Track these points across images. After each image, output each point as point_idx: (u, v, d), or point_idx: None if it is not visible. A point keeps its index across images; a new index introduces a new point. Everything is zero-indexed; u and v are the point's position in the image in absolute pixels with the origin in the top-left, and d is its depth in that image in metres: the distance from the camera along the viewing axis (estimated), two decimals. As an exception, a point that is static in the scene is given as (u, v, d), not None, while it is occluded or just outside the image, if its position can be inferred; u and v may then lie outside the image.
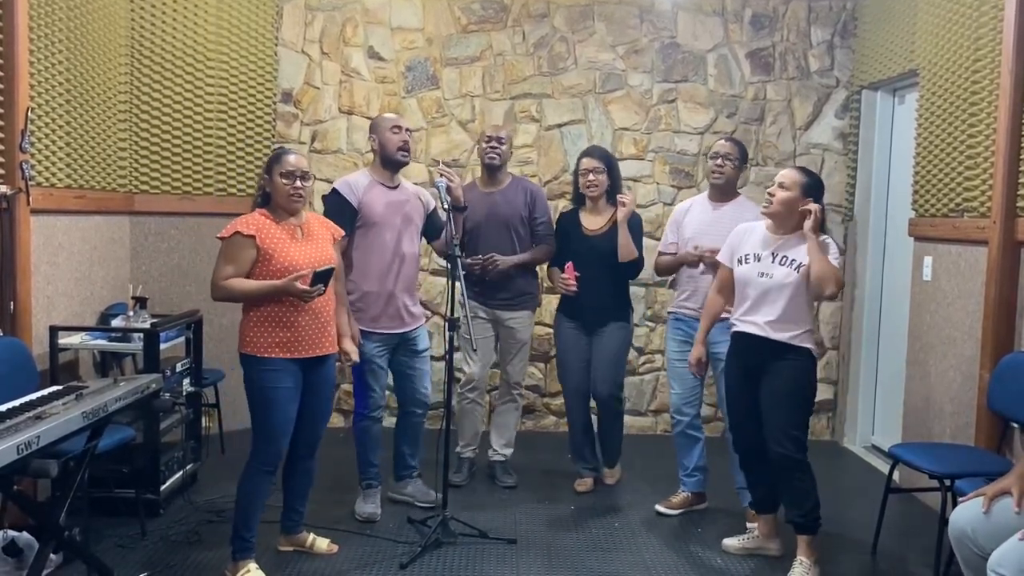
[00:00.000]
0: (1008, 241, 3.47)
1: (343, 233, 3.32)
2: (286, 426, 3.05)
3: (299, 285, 2.89)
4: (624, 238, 3.89)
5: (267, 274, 2.96)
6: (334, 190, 3.61)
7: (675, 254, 3.83)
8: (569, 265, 3.95)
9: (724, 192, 3.76)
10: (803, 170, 3.25)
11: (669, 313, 3.92)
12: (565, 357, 4.15)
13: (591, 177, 3.96)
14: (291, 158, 3.05)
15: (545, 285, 5.14)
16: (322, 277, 2.95)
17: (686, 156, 5.20)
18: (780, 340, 3.15)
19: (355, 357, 3.33)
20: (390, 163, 3.62)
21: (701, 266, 3.67)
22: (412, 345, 3.72)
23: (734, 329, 3.31)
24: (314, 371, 3.11)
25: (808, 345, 3.18)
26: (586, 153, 4.06)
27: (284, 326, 2.98)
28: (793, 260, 3.15)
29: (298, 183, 3.01)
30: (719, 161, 3.70)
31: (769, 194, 3.20)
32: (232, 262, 2.96)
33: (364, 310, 3.58)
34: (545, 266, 4.29)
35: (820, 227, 3.18)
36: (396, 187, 3.67)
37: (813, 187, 3.19)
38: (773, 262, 3.18)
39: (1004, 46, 3.46)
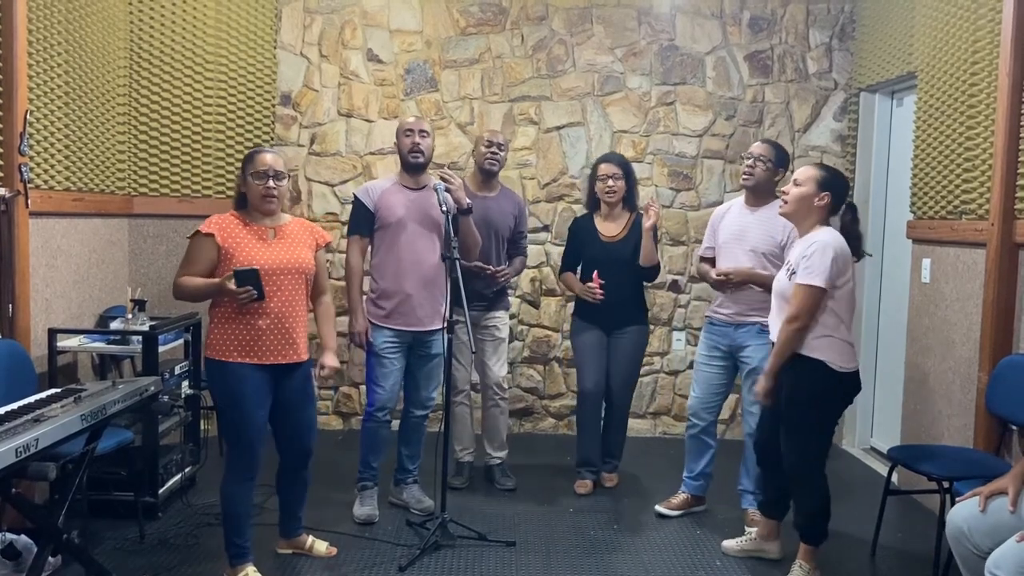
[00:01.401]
0: (1006, 243, 3.47)
1: (329, 239, 3.28)
2: (257, 432, 2.98)
3: (229, 285, 2.82)
4: (649, 244, 3.92)
5: (228, 273, 2.89)
6: (354, 194, 3.76)
7: (714, 260, 3.77)
8: (595, 274, 3.97)
9: (758, 195, 3.65)
10: (820, 165, 3.16)
11: (705, 317, 3.88)
12: (584, 359, 4.12)
13: (610, 183, 3.98)
14: (264, 157, 2.98)
15: (544, 287, 5.16)
16: (245, 277, 2.82)
17: (685, 158, 5.21)
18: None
19: (329, 371, 3.20)
20: (406, 166, 3.72)
21: (731, 289, 3.62)
22: (426, 348, 3.72)
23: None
24: (284, 381, 3.03)
25: (819, 356, 2.99)
26: (604, 159, 4.07)
27: (242, 326, 2.92)
28: (790, 264, 3.08)
29: (271, 183, 2.95)
30: (750, 162, 3.61)
31: (783, 192, 3.13)
32: (190, 261, 2.95)
33: (381, 307, 3.65)
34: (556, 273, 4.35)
35: (850, 229, 3.10)
36: (420, 189, 3.70)
37: (831, 181, 3.08)
38: (783, 267, 3.16)
39: (1002, 48, 3.47)
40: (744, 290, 3.58)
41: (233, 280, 2.82)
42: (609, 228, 4.05)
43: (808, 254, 2.97)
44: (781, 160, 3.65)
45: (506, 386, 4.27)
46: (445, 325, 3.46)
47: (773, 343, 3.16)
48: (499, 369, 4.19)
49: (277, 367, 2.99)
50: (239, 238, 2.95)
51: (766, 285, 3.39)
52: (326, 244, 3.20)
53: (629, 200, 4.06)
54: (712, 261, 3.77)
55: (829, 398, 3.07)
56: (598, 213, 4.10)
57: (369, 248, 3.74)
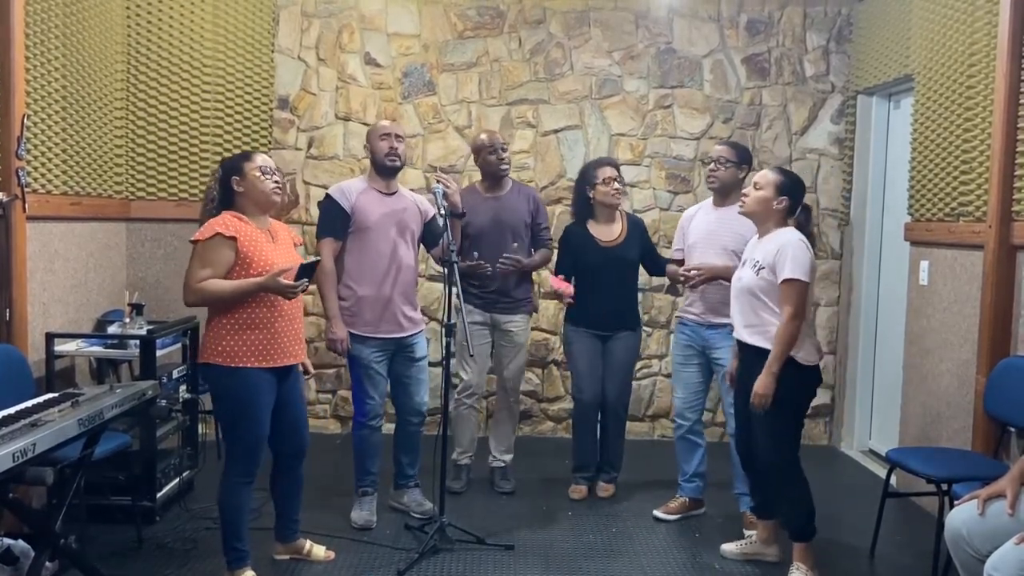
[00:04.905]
0: (1004, 245, 3.47)
1: (301, 240, 3.33)
2: (263, 437, 2.99)
3: (283, 280, 2.81)
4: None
5: (245, 277, 2.87)
6: (327, 195, 3.66)
7: (683, 261, 3.82)
8: (559, 277, 4.02)
9: (724, 195, 3.73)
10: (780, 170, 3.26)
11: (677, 318, 3.93)
12: (580, 365, 4.09)
13: (616, 186, 4.01)
14: (261, 155, 3.04)
15: (542, 290, 5.16)
16: (307, 271, 2.87)
17: (683, 161, 5.21)
18: (757, 345, 3.15)
19: (311, 370, 3.29)
20: (382, 169, 3.65)
21: (701, 287, 3.65)
22: (410, 352, 3.71)
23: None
24: (285, 380, 3.06)
25: (792, 353, 3.07)
26: (603, 163, 4.07)
27: (261, 330, 2.91)
28: (757, 262, 3.15)
29: (276, 177, 3.00)
30: (712, 166, 3.71)
31: (744, 195, 3.24)
32: (209, 265, 2.84)
33: (359, 315, 3.59)
34: (544, 272, 4.35)
35: (804, 228, 3.20)
36: (393, 194, 3.68)
37: (789, 186, 3.18)
38: (745, 265, 3.23)
39: (999, 50, 3.48)
40: (713, 287, 3.63)
41: (287, 274, 2.81)
42: (605, 232, 4.04)
43: (783, 252, 3.07)
44: (743, 158, 3.74)
45: (520, 389, 4.28)
46: (444, 328, 3.46)
47: (739, 340, 3.23)
48: (517, 373, 4.20)
49: (281, 367, 3.00)
50: (254, 240, 2.92)
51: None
52: (300, 243, 3.27)
53: None
54: (681, 263, 3.83)
55: (800, 393, 3.17)
56: (591, 219, 4.09)
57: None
